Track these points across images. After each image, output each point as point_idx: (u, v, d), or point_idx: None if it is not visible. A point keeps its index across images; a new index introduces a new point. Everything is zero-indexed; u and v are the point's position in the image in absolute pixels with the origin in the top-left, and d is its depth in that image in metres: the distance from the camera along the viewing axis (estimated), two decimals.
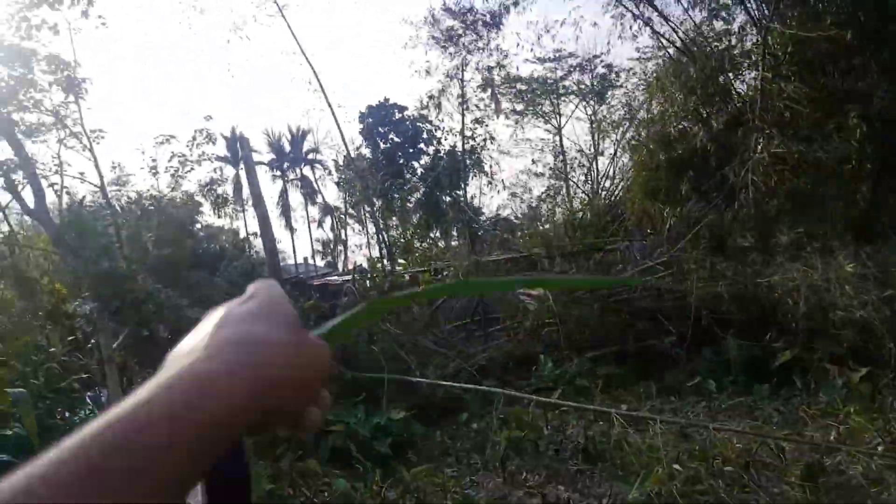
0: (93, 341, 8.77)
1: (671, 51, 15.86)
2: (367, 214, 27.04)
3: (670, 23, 15.49)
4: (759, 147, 11.55)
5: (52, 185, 15.63)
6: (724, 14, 14.28)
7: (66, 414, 7.62)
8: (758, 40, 12.28)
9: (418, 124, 32.27)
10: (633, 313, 10.96)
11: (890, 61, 10.48)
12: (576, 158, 30.08)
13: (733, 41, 13.62)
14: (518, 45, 30.68)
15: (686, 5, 15.04)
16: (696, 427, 7.04)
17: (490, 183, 29.81)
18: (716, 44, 13.85)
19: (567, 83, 28.50)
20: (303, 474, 7.58)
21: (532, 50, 27.67)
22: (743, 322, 9.85)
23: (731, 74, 13.25)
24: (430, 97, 28.79)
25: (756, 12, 12.82)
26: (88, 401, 8.14)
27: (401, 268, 19.88)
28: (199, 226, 21.06)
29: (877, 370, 7.85)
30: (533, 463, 7.24)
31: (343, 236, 45.77)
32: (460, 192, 28.20)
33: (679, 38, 15.11)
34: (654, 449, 6.45)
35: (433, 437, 9.03)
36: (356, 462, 8.06)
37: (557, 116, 30.14)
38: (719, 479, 5.86)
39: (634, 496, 4.86)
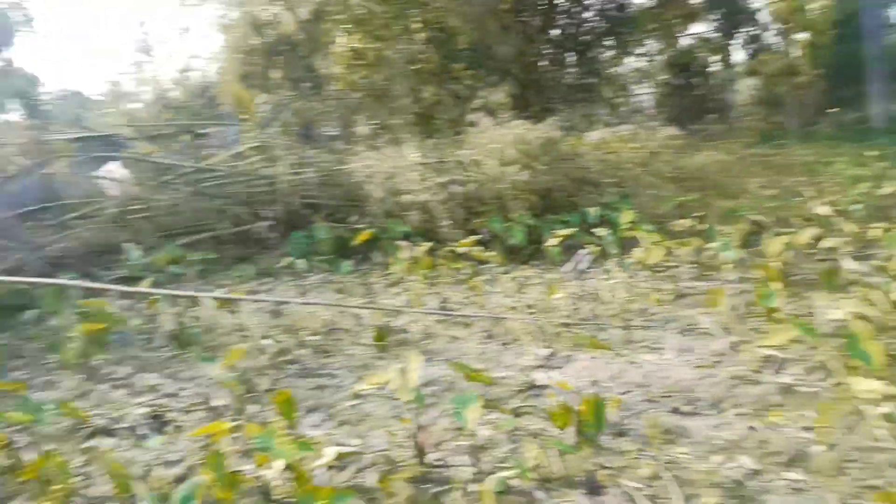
0: None
1: None
2: None
3: None
4: (341, 40, 12.21)
5: None
6: None
7: None
8: None
9: None
10: (227, 198, 10.85)
11: None
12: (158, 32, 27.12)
13: None
14: None
15: None
16: (285, 304, 7.46)
17: (49, 48, 24.95)
18: None
19: None
20: None
21: None
22: (330, 206, 10.58)
23: None
24: None
25: None
26: None
27: None
28: None
29: (436, 245, 9.31)
30: (121, 355, 6.87)
31: None
32: (8, 56, 23.37)
33: None
34: (245, 328, 6.68)
35: None
36: None
37: None
38: (305, 349, 6.40)
39: (224, 374, 4.99)
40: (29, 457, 4.51)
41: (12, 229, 10.77)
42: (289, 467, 3.42)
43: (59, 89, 25.46)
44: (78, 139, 13.92)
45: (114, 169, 11.81)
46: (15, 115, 22.62)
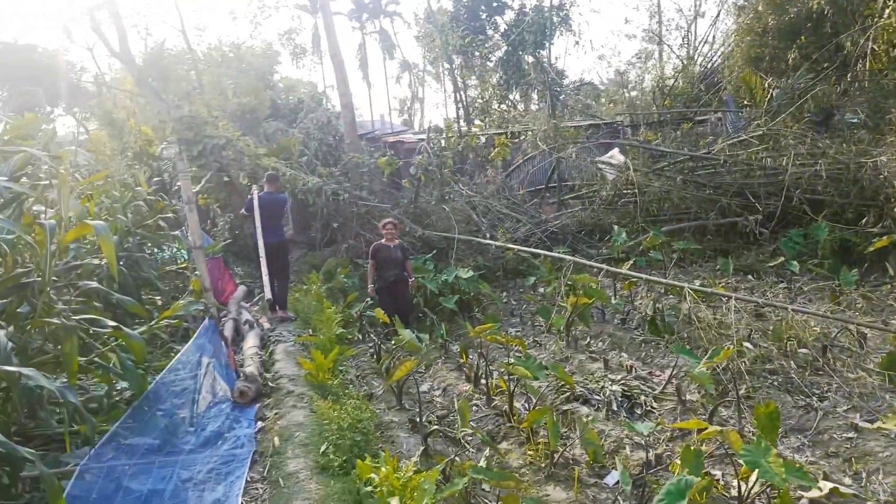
0: (177, 184, 9.06)
1: None
2: (446, 72, 26.06)
3: None
4: (888, 11, 10.18)
5: (134, 26, 15.74)
6: None
7: (155, 249, 7.99)
8: None
9: None
10: (719, 188, 10.40)
11: None
12: (673, 20, 27.36)
13: None
14: None
15: None
16: (773, 307, 6.76)
17: (577, 43, 27.42)
18: None
19: None
20: (371, 323, 7.89)
21: None
22: (838, 204, 9.21)
23: None
24: None
25: None
26: (181, 235, 8.51)
27: (477, 129, 19.43)
28: (277, 76, 20.94)
29: None
30: (598, 330, 7.22)
31: (420, 94, 45.01)
32: (544, 53, 26.55)
33: None
34: (725, 326, 6.27)
35: (499, 298, 9.13)
36: (423, 315, 8.29)
37: None
38: (791, 360, 5.69)
39: (700, 370, 4.74)
40: (517, 406, 5.06)
41: (525, 205, 12.35)
42: (770, 488, 3.03)
43: (575, 80, 27.96)
44: (587, 127, 15.17)
45: (615, 154, 12.46)
46: (536, 105, 25.89)
